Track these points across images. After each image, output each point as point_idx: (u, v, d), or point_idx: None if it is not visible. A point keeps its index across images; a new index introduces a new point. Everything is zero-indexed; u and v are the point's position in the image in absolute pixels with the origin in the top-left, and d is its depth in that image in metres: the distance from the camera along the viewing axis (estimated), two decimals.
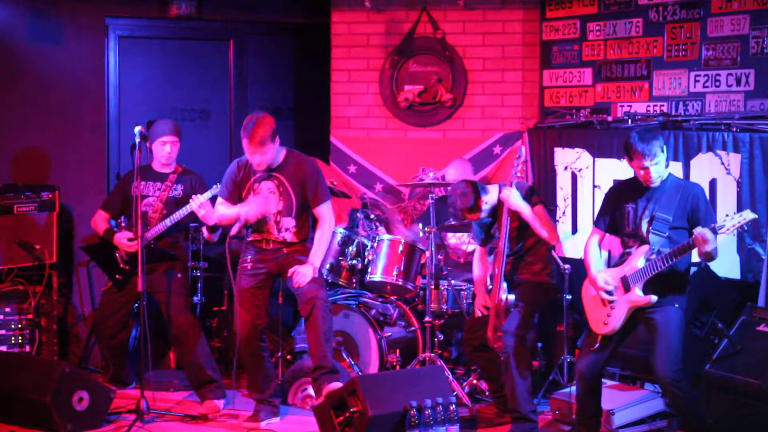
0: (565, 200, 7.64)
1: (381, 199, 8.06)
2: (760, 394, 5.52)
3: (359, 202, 7.91)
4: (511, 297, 6.04)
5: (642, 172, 5.44)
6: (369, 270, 6.85)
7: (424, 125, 8.15)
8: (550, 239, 6.11)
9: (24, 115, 7.70)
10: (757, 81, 6.57)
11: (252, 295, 6.21)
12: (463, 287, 6.90)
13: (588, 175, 7.46)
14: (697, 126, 6.74)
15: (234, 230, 6.50)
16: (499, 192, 6.13)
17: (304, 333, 6.32)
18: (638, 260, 5.43)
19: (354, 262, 6.91)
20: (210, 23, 8.31)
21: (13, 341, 7.04)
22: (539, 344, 6.85)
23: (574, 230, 7.57)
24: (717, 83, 6.80)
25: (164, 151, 6.77)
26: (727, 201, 6.52)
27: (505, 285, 6.04)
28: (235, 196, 6.27)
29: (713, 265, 6.04)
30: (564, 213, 7.65)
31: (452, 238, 7.50)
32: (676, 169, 6.65)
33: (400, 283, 6.83)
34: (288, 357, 6.96)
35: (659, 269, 5.33)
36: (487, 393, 6.60)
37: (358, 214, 7.29)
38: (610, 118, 7.43)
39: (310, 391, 6.37)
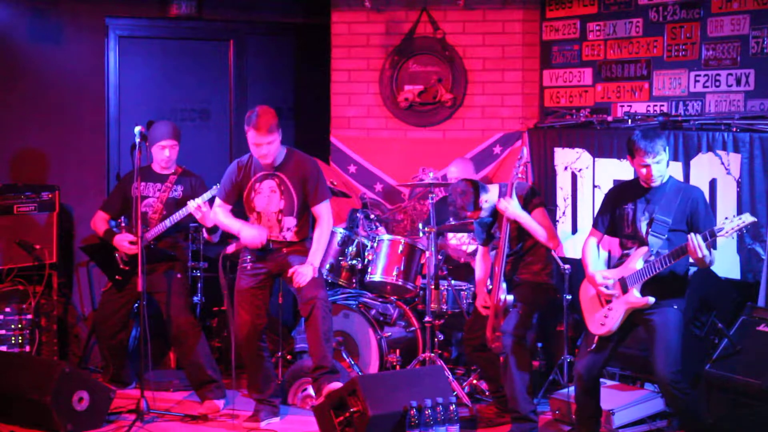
0: (565, 200, 7.64)
1: (381, 199, 8.06)
2: (760, 394, 5.51)
3: (359, 202, 7.91)
4: (510, 297, 6.05)
5: (644, 171, 5.43)
6: (369, 270, 6.85)
7: (424, 125, 8.14)
8: (552, 246, 6.10)
9: (24, 115, 7.69)
10: (757, 81, 6.57)
11: (252, 296, 6.20)
12: (463, 287, 6.90)
13: (588, 175, 7.46)
14: (697, 126, 6.73)
15: (231, 249, 6.50)
16: (500, 192, 6.14)
17: (304, 333, 6.31)
18: (637, 261, 5.42)
19: (354, 262, 6.91)
20: (210, 23, 8.31)
21: (13, 341, 7.03)
22: (539, 344, 6.85)
23: (574, 230, 7.57)
24: (717, 83, 6.80)
25: (163, 155, 6.77)
26: (727, 201, 6.51)
27: (504, 285, 6.04)
28: (234, 197, 6.25)
29: (713, 266, 6.04)
30: (564, 213, 7.64)
31: (453, 239, 7.49)
32: (676, 169, 6.65)
33: (400, 283, 6.83)
34: (288, 357, 6.97)
35: (657, 271, 5.32)
36: (487, 393, 6.60)
37: (358, 214, 7.28)
38: (610, 118, 7.43)
39: (310, 391, 6.37)
